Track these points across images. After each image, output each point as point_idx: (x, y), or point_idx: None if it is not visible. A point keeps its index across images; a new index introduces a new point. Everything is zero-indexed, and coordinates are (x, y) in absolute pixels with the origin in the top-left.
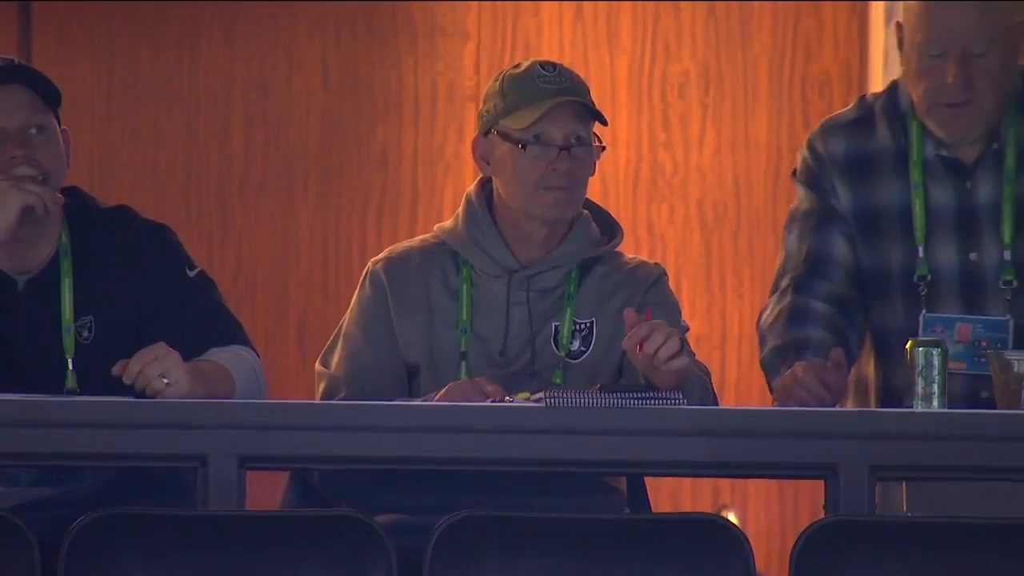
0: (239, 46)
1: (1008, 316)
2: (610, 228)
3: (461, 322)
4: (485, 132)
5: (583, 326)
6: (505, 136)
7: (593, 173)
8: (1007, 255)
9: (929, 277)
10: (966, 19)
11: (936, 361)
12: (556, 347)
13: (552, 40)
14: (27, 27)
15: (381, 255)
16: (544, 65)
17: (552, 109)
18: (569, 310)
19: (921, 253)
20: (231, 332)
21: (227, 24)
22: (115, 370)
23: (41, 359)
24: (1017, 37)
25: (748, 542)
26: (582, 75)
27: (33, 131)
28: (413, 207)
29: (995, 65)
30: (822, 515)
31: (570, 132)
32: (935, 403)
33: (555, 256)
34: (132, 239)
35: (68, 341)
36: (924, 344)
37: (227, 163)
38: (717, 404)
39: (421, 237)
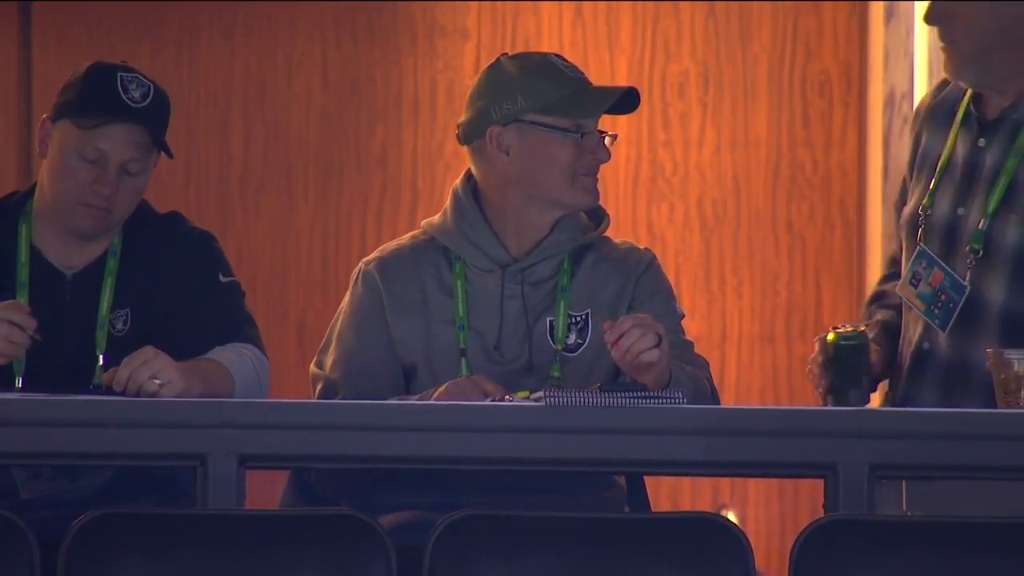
0: (239, 45)
1: (967, 285)
2: (596, 214)
3: (458, 318)
4: (506, 123)
5: (578, 318)
6: (542, 125)
7: None
8: (983, 224)
9: (929, 211)
10: None
11: (849, 356)
12: (552, 341)
13: (552, 39)
14: (27, 27)
15: (372, 255)
16: (556, 55)
17: (595, 99)
18: (563, 303)
19: (929, 192)
20: (240, 332)
21: (226, 23)
22: (104, 378)
23: (75, 352)
24: None
25: (747, 541)
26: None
27: (129, 168)
28: (413, 206)
29: (976, 13)
30: (821, 514)
31: (598, 121)
32: (853, 397)
33: (546, 246)
34: (177, 242)
35: (101, 337)
36: (844, 338)
37: (227, 162)
38: (716, 399)
39: (411, 235)
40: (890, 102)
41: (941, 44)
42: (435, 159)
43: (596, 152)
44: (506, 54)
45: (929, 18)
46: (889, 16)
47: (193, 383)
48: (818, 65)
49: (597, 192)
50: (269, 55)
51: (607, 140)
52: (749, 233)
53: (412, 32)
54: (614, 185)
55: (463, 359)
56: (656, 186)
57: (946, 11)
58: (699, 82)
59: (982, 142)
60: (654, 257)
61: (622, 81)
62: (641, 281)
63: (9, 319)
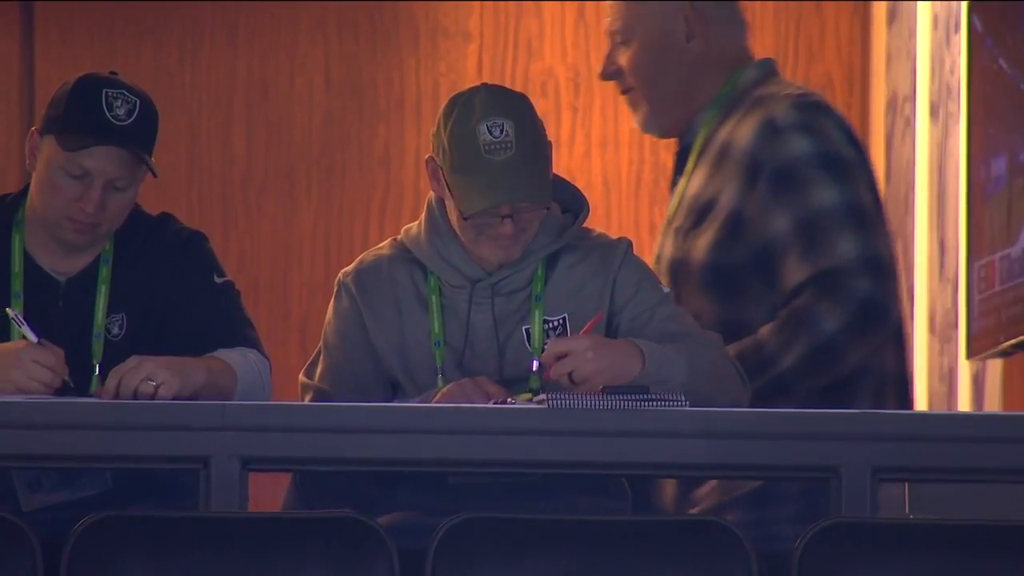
0: (241, 46)
1: None
2: (575, 202)
3: (434, 335)
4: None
5: (555, 323)
6: (450, 192)
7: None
8: (656, 249)
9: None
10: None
11: None
12: (531, 350)
13: (554, 41)
14: (29, 27)
15: (351, 266)
16: (492, 125)
17: (483, 197)
18: (538, 311)
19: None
20: (243, 336)
21: (229, 24)
22: (95, 394)
23: (71, 359)
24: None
25: (750, 544)
26: (584, 76)
27: (116, 184)
28: (415, 207)
29: (635, 50)
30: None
31: (515, 202)
32: None
33: (517, 259)
34: (169, 244)
35: (97, 346)
36: None
37: (229, 163)
38: (739, 373)
39: (390, 241)
40: (892, 104)
41: (626, 100)
42: None
43: (500, 227)
44: (486, 86)
45: (603, 75)
46: (891, 18)
47: (190, 375)
48: (820, 67)
49: (509, 251)
50: (272, 56)
51: (525, 217)
52: None
53: (414, 33)
54: (616, 187)
55: (440, 376)
56: (659, 188)
57: (612, 64)
58: None
59: (679, 179)
60: (628, 246)
61: None
62: (619, 278)
63: (38, 360)
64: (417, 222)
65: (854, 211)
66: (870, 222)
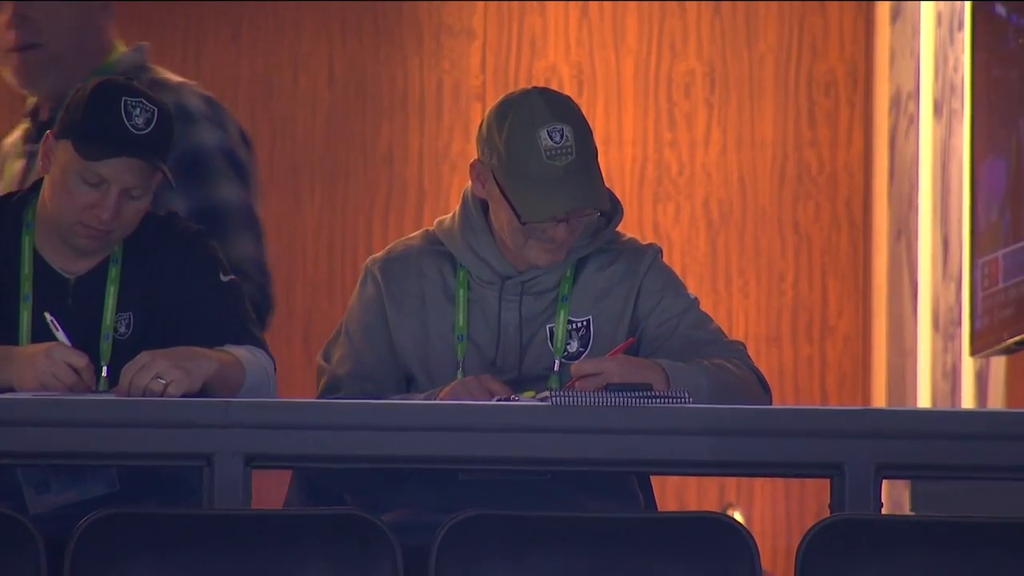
0: (245, 45)
1: None
2: (610, 204)
3: (458, 328)
4: (485, 162)
5: (579, 324)
6: (504, 196)
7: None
8: None
9: None
10: None
11: None
12: (553, 350)
13: (558, 39)
14: None
15: (380, 253)
16: (552, 131)
17: (546, 203)
18: (563, 312)
19: None
20: (249, 334)
21: (233, 24)
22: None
23: None
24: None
25: (754, 541)
26: (587, 74)
27: (132, 193)
28: (419, 206)
29: (67, 10)
30: (828, 514)
31: (580, 208)
32: None
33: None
34: (175, 242)
35: (105, 348)
36: None
37: None
38: (763, 383)
39: (423, 232)
40: (896, 101)
41: (14, 53)
42: (441, 159)
43: (553, 231)
44: (538, 89)
45: (8, 25)
46: (895, 16)
47: (200, 368)
48: (824, 65)
49: (557, 254)
50: (275, 55)
51: (577, 220)
52: (755, 233)
53: (418, 31)
54: (620, 185)
55: (460, 372)
56: (662, 186)
57: (27, 12)
58: (705, 82)
59: (33, 148)
60: (657, 252)
61: (628, 81)
62: (644, 284)
63: (69, 361)
64: (451, 214)
65: (251, 213)
66: (261, 228)
